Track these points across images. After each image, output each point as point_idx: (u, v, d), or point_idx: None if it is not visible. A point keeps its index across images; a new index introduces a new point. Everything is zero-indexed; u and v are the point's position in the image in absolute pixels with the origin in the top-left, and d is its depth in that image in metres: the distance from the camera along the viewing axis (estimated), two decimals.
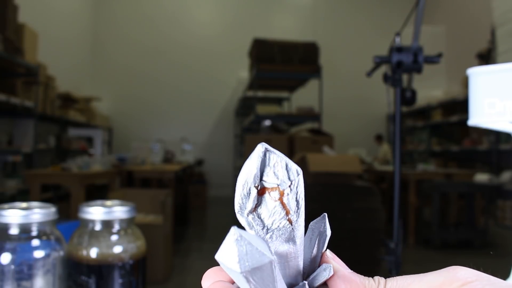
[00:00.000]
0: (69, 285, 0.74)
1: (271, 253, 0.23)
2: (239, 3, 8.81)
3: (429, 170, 4.84)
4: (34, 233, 0.70)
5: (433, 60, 1.56)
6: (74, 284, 0.74)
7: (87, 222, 0.76)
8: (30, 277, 0.67)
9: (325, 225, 0.26)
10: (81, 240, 0.75)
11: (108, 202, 0.81)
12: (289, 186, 0.24)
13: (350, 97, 8.77)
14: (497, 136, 5.72)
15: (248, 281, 0.21)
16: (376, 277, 0.26)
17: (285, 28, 8.67)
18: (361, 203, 2.98)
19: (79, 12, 7.81)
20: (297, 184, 0.24)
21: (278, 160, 0.24)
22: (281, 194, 0.24)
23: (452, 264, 0.24)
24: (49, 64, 5.17)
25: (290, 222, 0.24)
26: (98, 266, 0.74)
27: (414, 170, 4.83)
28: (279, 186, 0.24)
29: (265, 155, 0.24)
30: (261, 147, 0.24)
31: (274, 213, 0.24)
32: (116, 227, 0.77)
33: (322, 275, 0.24)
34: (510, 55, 4.40)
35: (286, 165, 0.24)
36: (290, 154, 4.33)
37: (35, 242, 0.69)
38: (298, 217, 0.24)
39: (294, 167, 0.24)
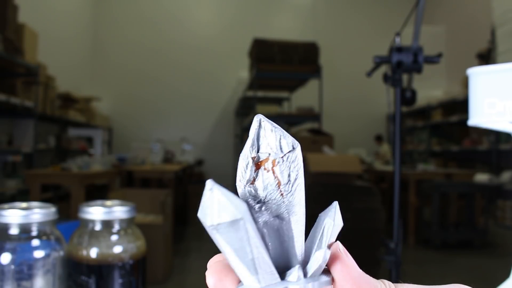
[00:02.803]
0: (69, 285, 0.74)
1: (251, 214, 0.22)
2: (239, 3, 8.81)
3: (429, 170, 4.84)
4: (34, 233, 0.70)
5: (433, 60, 1.56)
6: (74, 284, 0.74)
7: (87, 222, 0.76)
8: (30, 277, 0.67)
9: (335, 214, 0.24)
10: (81, 240, 0.75)
11: (108, 202, 0.81)
12: (282, 158, 0.23)
13: (350, 97, 8.77)
14: (497, 136, 5.72)
15: (217, 236, 0.21)
16: (386, 282, 0.25)
17: (285, 28, 8.67)
18: (361, 203, 2.98)
19: (79, 12, 7.81)
20: (291, 157, 0.23)
21: (272, 130, 0.24)
22: (273, 164, 0.23)
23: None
24: (49, 64, 5.17)
25: (282, 195, 0.23)
26: (98, 266, 0.74)
27: (414, 170, 4.83)
28: (270, 156, 0.23)
29: (260, 126, 0.24)
30: (256, 119, 0.24)
31: (267, 184, 0.23)
32: (116, 227, 0.77)
33: (317, 260, 0.23)
34: (510, 55, 4.40)
35: (280, 137, 0.23)
36: None
37: (35, 242, 0.69)
38: (291, 191, 0.23)
39: (289, 140, 0.23)
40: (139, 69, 8.41)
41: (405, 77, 1.64)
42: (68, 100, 5.92)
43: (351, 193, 3.03)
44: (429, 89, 7.48)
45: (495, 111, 0.93)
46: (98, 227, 0.76)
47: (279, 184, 0.23)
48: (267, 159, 0.23)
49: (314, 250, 0.23)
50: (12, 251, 0.67)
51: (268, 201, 0.24)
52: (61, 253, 0.73)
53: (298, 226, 0.23)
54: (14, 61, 3.97)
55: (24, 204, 0.74)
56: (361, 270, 0.24)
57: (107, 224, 0.77)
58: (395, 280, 0.25)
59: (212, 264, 0.24)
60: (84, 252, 0.75)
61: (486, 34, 5.83)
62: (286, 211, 0.23)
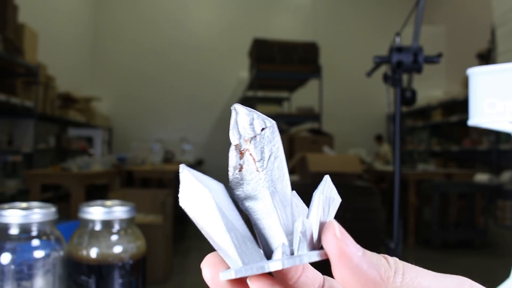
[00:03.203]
0: (69, 285, 0.74)
1: (230, 194, 0.22)
2: (239, 3, 8.81)
3: (429, 170, 4.84)
4: (34, 233, 0.70)
5: (433, 60, 1.56)
6: (74, 284, 0.74)
7: (87, 222, 0.76)
8: (30, 277, 0.67)
9: (330, 189, 0.23)
10: (81, 240, 0.75)
11: (108, 202, 0.81)
12: (254, 137, 0.23)
13: (350, 97, 8.77)
14: (497, 136, 5.72)
15: (191, 215, 0.21)
16: (390, 259, 0.22)
17: (285, 28, 8.67)
18: (361, 203, 2.98)
19: (79, 12, 7.81)
20: (264, 134, 0.23)
21: (246, 114, 0.23)
22: (247, 144, 0.23)
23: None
24: (49, 64, 5.17)
25: (258, 171, 0.23)
26: (98, 266, 0.74)
27: (414, 170, 4.83)
28: (243, 138, 0.23)
29: (237, 112, 0.24)
30: (232, 107, 0.24)
31: (248, 165, 0.23)
32: (116, 227, 0.77)
33: (296, 233, 0.21)
34: (510, 55, 4.40)
35: (253, 118, 0.23)
36: (290, 154, 4.33)
37: (35, 242, 0.69)
38: (266, 167, 0.23)
39: (261, 119, 0.23)
40: (139, 69, 8.41)
41: (405, 77, 1.64)
42: (68, 100, 5.92)
43: (351, 193, 3.03)
44: (429, 89, 7.48)
45: (495, 111, 0.93)
46: (98, 227, 0.77)
47: (254, 161, 0.23)
48: (246, 140, 0.23)
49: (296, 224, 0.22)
50: (12, 251, 0.67)
51: (250, 181, 0.23)
52: (61, 253, 0.73)
53: (280, 203, 0.23)
54: (14, 61, 3.97)
55: (24, 204, 0.74)
56: (358, 247, 0.21)
57: (107, 224, 0.77)
58: None
59: (208, 256, 0.23)
60: (84, 252, 0.75)
61: (486, 34, 5.83)
62: (264, 188, 0.23)
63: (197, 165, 7.69)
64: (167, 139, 7.18)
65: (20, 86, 4.35)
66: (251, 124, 0.23)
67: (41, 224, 0.71)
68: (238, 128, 0.23)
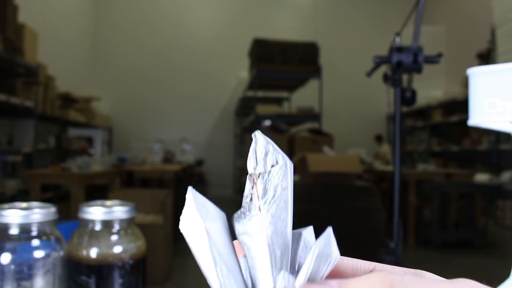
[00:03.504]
0: (69, 285, 0.74)
1: (227, 226, 0.22)
2: (239, 3, 8.81)
3: (429, 170, 4.84)
4: (34, 233, 0.70)
5: (433, 60, 1.56)
6: (74, 284, 0.74)
7: (87, 222, 0.76)
8: (30, 277, 0.67)
9: (329, 244, 0.21)
10: (81, 240, 0.75)
11: (108, 202, 0.81)
12: (264, 173, 0.23)
13: (350, 97, 8.77)
14: (497, 136, 5.73)
15: (187, 241, 0.21)
16: (384, 272, 0.20)
17: (285, 28, 8.67)
18: (361, 203, 2.98)
19: (79, 12, 7.81)
20: (273, 172, 0.23)
21: (264, 146, 0.23)
22: (256, 178, 0.23)
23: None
24: (49, 64, 5.17)
25: (260, 210, 0.22)
26: (98, 266, 0.74)
27: (414, 170, 4.83)
28: (255, 171, 0.23)
29: (256, 141, 0.23)
30: (253, 135, 0.24)
31: (254, 202, 0.23)
32: (116, 227, 0.77)
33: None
34: (510, 55, 4.40)
35: (268, 152, 0.23)
36: (290, 154, 4.33)
37: (35, 242, 0.69)
38: (266, 207, 0.22)
39: (274, 155, 0.23)
40: (139, 69, 8.41)
41: (405, 77, 1.64)
42: (68, 100, 5.93)
43: (351, 193, 3.03)
44: (429, 89, 7.48)
45: (495, 111, 0.93)
46: (98, 227, 0.76)
47: (257, 198, 0.23)
48: (256, 175, 0.23)
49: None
50: (12, 251, 0.67)
51: (252, 217, 0.23)
52: (61, 253, 0.73)
53: (277, 246, 0.22)
54: (14, 61, 3.97)
55: (24, 204, 0.74)
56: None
57: (107, 224, 0.77)
58: None
59: None
60: (84, 252, 0.75)
61: (486, 34, 5.83)
62: (262, 228, 0.22)
63: (197, 165, 7.70)
64: (167, 139, 7.18)
65: (20, 86, 4.35)
66: (264, 158, 0.23)
67: (41, 224, 0.71)
68: (256, 157, 0.23)
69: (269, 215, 0.22)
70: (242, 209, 0.23)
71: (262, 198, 0.23)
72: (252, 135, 0.24)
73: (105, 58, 8.45)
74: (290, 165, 0.23)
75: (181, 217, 0.21)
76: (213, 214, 0.22)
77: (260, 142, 0.23)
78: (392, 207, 1.58)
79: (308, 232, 0.24)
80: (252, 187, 0.23)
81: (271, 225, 0.22)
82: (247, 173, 0.24)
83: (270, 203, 0.22)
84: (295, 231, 0.24)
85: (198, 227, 0.21)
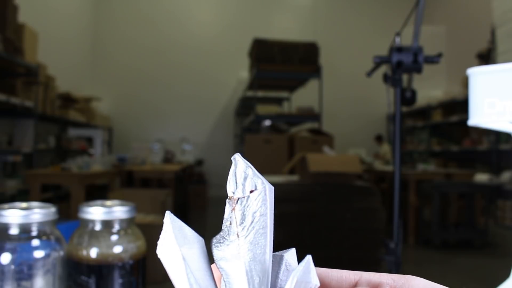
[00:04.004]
0: (69, 285, 0.74)
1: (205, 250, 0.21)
2: (239, 3, 8.81)
3: (429, 170, 4.84)
4: (34, 233, 0.70)
5: (433, 60, 1.56)
6: (74, 284, 0.74)
7: (87, 222, 0.76)
8: (30, 277, 0.67)
9: (308, 271, 0.20)
10: (81, 240, 0.75)
11: (108, 202, 0.81)
12: (242, 198, 0.22)
13: (350, 97, 8.77)
14: (497, 136, 5.72)
15: (164, 266, 0.21)
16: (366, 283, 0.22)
17: (285, 28, 8.67)
18: (361, 203, 2.98)
19: (79, 12, 7.81)
20: (251, 199, 0.22)
21: (240, 171, 0.23)
22: (234, 204, 0.23)
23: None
24: (49, 64, 5.17)
25: (238, 236, 0.22)
26: (98, 266, 0.74)
27: (414, 170, 4.83)
28: (234, 195, 0.23)
29: (236, 165, 0.23)
30: (232, 158, 0.23)
31: (233, 227, 0.23)
32: (116, 227, 0.77)
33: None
34: (510, 55, 4.40)
35: (247, 177, 0.22)
36: (290, 154, 4.33)
37: (35, 242, 0.69)
38: (244, 233, 0.22)
39: (253, 181, 0.22)
40: (139, 69, 8.41)
41: (405, 77, 1.64)
42: (68, 100, 5.93)
43: (351, 193, 3.03)
44: (429, 89, 7.48)
45: (495, 111, 0.93)
46: (98, 227, 0.76)
47: (236, 224, 0.22)
48: (234, 199, 0.23)
49: None
50: (12, 251, 0.67)
51: (230, 242, 0.23)
52: (61, 253, 0.73)
53: (255, 272, 0.21)
54: (14, 61, 3.97)
55: (24, 204, 0.74)
56: None
57: (107, 224, 0.77)
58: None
59: None
60: (84, 252, 0.74)
61: (486, 34, 5.83)
62: (240, 255, 0.22)
63: (197, 165, 7.70)
64: (167, 139, 7.18)
65: (20, 86, 4.35)
66: (243, 183, 0.23)
67: (41, 224, 0.71)
68: (236, 181, 0.23)
69: (247, 242, 0.22)
70: (221, 233, 0.23)
71: (240, 224, 0.22)
72: (232, 158, 0.23)
73: (105, 58, 8.45)
74: (270, 190, 0.22)
75: (158, 242, 0.21)
76: (191, 239, 0.22)
77: (240, 166, 0.23)
78: (392, 207, 1.58)
79: (290, 254, 0.24)
80: (232, 211, 0.23)
81: (249, 252, 0.22)
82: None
83: (248, 229, 0.22)
84: (276, 253, 0.23)
85: (175, 253, 0.21)
